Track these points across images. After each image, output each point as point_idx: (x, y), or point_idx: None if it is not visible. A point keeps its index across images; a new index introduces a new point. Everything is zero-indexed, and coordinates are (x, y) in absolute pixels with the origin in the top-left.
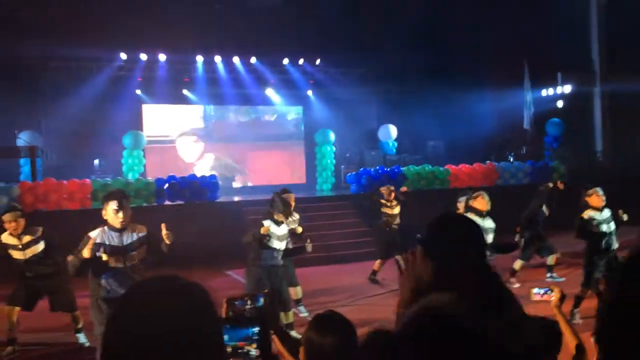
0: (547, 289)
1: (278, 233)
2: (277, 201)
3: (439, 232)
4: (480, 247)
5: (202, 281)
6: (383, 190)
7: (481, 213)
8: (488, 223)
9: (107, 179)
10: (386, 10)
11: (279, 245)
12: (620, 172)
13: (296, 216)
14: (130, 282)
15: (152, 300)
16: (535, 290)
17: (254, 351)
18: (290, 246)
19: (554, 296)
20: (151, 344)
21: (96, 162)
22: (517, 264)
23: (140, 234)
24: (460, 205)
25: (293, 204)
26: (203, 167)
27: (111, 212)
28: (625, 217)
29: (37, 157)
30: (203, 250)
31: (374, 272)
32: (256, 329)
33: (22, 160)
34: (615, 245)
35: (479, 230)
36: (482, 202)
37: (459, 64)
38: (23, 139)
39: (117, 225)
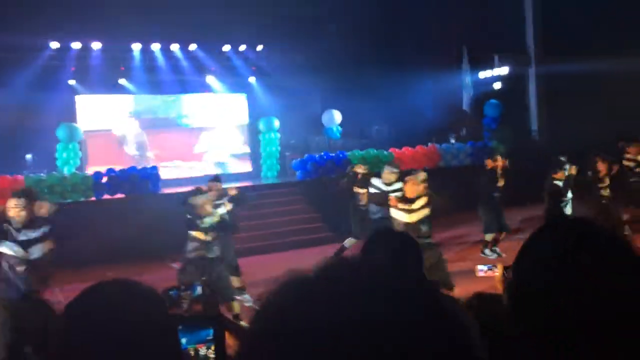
0: (492, 265)
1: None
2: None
3: (374, 248)
4: (416, 258)
5: (149, 274)
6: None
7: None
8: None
9: (41, 174)
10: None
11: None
12: (553, 150)
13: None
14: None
15: (104, 306)
16: (480, 266)
17: (212, 354)
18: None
19: (498, 272)
20: (104, 350)
21: (28, 156)
22: (487, 237)
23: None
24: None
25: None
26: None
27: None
28: None
29: None
30: (147, 243)
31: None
32: (211, 331)
33: None
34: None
35: (413, 242)
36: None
37: (400, 48)
38: None
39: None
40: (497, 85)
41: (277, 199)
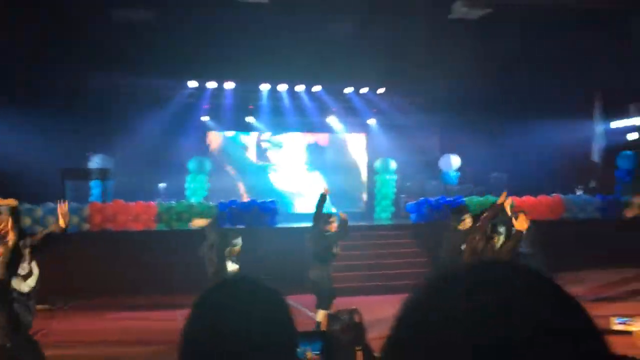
0: (630, 318)
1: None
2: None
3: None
4: None
5: None
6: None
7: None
8: None
9: (172, 201)
10: (454, 39)
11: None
12: None
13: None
14: None
15: (234, 302)
16: (617, 319)
17: None
18: None
19: (637, 327)
20: (231, 343)
21: (162, 185)
22: None
23: None
24: None
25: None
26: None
27: None
28: None
29: (107, 179)
30: (262, 274)
31: None
32: (318, 345)
33: (93, 182)
34: None
35: None
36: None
37: (527, 93)
38: (95, 162)
39: None
40: (632, 136)
41: (389, 241)
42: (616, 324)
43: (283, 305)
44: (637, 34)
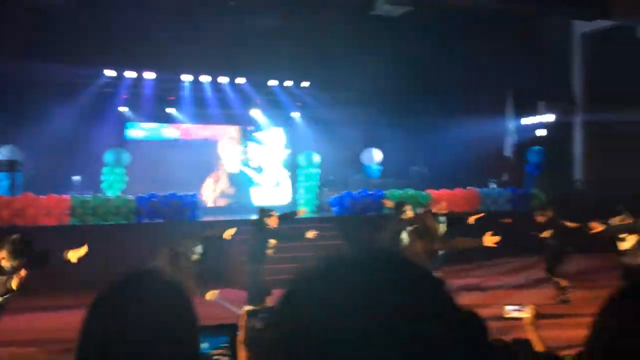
0: (520, 305)
1: None
2: None
3: None
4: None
5: None
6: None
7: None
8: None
9: (87, 195)
10: (375, 35)
11: None
12: (597, 198)
13: None
14: None
15: (133, 297)
16: (508, 307)
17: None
18: None
19: (528, 314)
20: (129, 338)
21: (76, 178)
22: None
23: None
24: None
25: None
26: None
27: None
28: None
29: (16, 171)
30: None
31: None
32: (227, 338)
33: (0, 175)
34: None
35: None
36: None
37: (444, 90)
38: (2, 153)
39: None
40: (541, 132)
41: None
42: (508, 312)
43: (183, 299)
44: (546, 37)
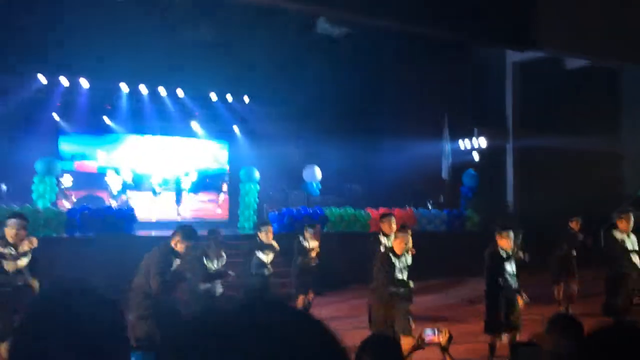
0: (436, 329)
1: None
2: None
3: None
4: None
5: None
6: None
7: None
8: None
9: (14, 206)
10: (316, 54)
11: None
12: (527, 222)
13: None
14: None
15: (63, 312)
16: (427, 330)
17: None
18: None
19: (442, 338)
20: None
21: (3, 187)
22: None
23: None
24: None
25: None
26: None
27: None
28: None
29: None
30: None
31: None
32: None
33: None
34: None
35: None
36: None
37: (382, 112)
38: None
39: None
40: (476, 156)
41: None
42: (425, 336)
43: (115, 316)
44: (483, 63)
